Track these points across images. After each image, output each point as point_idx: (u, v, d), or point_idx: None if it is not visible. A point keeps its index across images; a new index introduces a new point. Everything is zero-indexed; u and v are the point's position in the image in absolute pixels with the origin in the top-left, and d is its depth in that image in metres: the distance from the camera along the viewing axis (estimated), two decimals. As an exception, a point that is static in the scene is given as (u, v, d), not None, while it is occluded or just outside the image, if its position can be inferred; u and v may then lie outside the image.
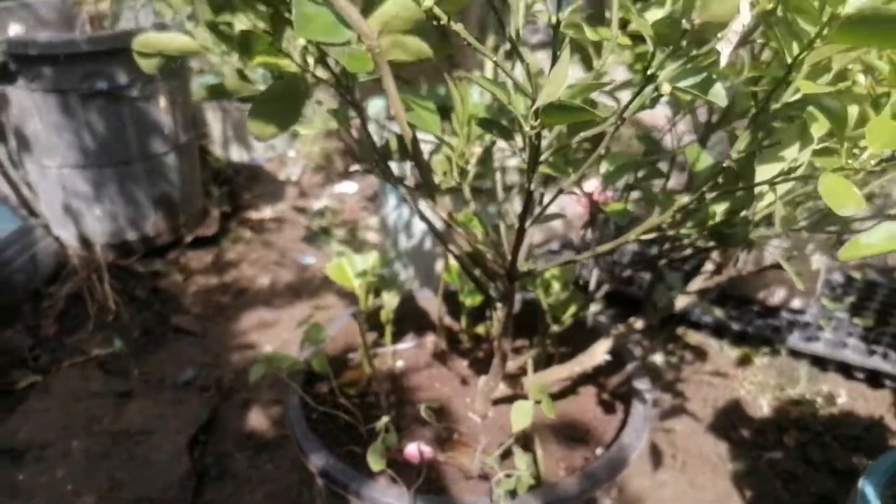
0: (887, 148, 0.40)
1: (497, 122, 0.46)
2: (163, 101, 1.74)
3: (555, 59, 0.36)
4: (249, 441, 1.37)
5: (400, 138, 0.64)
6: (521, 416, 0.69)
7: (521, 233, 0.57)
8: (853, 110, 0.43)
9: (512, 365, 1.00)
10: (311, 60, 0.64)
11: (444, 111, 0.67)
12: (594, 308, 1.02)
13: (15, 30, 1.79)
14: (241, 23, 0.77)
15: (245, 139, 2.67)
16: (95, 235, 1.84)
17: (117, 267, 1.84)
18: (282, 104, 0.64)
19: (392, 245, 1.71)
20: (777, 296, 1.68)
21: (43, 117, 1.65)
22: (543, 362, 1.03)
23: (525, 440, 0.90)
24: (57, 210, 1.81)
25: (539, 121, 0.38)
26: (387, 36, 0.60)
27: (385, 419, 0.81)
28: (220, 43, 0.79)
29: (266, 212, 2.31)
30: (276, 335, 1.69)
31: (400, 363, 1.11)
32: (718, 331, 1.67)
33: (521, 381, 0.96)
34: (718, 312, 1.60)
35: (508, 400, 0.99)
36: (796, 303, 1.66)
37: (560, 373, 0.90)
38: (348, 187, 2.55)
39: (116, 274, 1.81)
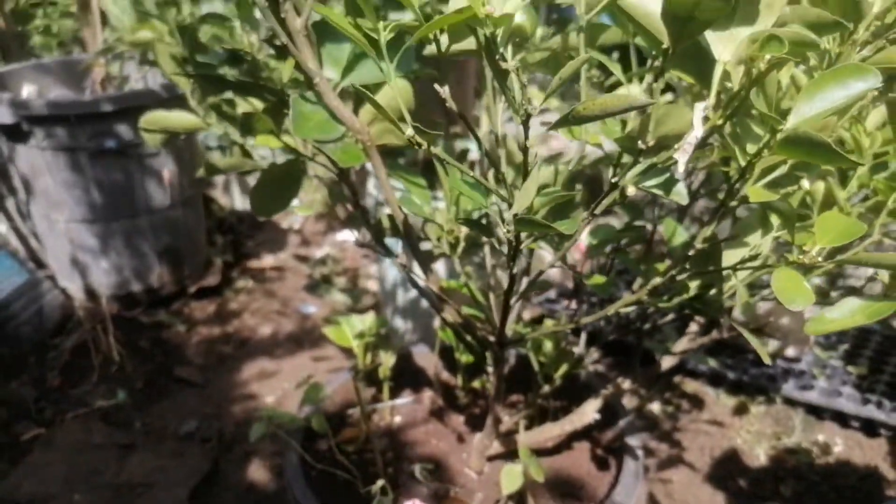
0: (836, 243, 0.43)
1: (477, 222, 0.49)
2: (170, 157, 1.79)
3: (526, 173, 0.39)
4: (250, 494, 1.38)
5: (391, 217, 0.68)
6: (511, 479, 0.72)
7: (506, 307, 0.61)
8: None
9: (507, 420, 1.02)
10: (309, 145, 0.68)
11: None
12: (588, 358, 1.05)
13: (28, 90, 1.85)
14: (242, 106, 0.82)
15: (248, 187, 2.72)
16: (101, 287, 1.87)
17: (122, 318, 1.88)
18: (281, 186, 0.68)
19: (390, 299, 1.74)
20: (771, 344, 1.70)
21: (53, 174, 1.70)
22: (537, 418, 1.05)
23: (519, 497, 0.92)
24: (64, 262, 1.86)
25: (514, 227, 0.42)
26: (378, 123, 0.64)
27: (381, 482, 0.83)
28: (224, 122, 0.83)
29: (268, 260, 2.35)
30: (276, 385, 1.72)
31: (398, 419, 1.13)
32: (715, 379, 1.68)
33: (515, 438, 0.99)
34: (713, 362, 1.63)
35: (503, 456, 1.01)
36: (791, 351, 1.69)
37: (552, 431, 0.92)
38: (349, 235, 2.60)
39: (121, 325, 1.84)
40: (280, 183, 0.68)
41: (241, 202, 2.74)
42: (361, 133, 0.57)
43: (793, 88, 0.45)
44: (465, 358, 1.10)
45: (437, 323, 1.75)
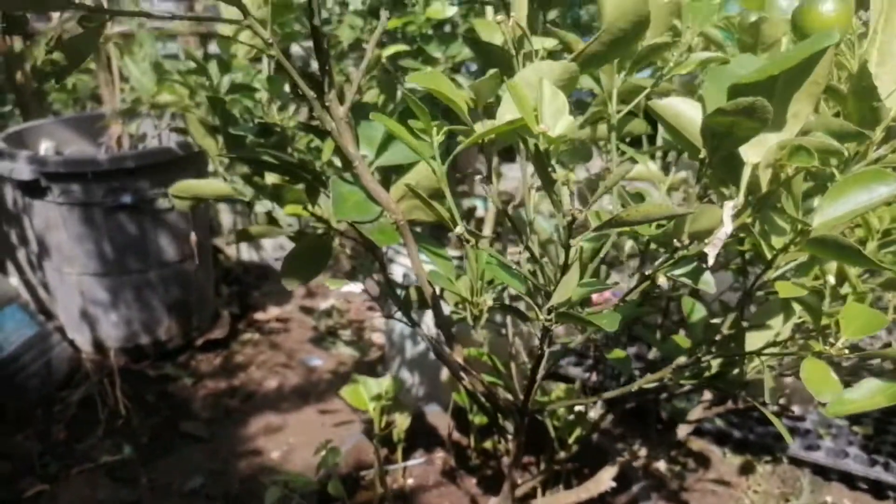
0: (860, 335, 0.45)
1: (513, 308, 0.51)
2: (183, 213, 1.82)
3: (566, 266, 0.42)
4: (257, 555, 1.37)
5: (419, 290, 0.70)
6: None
7: (532, 382, 0.62)
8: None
9: (521, 483, 1.03)
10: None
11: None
12: (603, 423, 1.06)
13: (45, 145, 1.89)
14: (271, 175, 0.85)
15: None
16: (109, 340, 1.88)
17: (129, 371, 1.88)
18: (310, 259, 0.70)
19: (397, 352, 1.75)
20: (778, 400, 1.71)
21: (67, 228, 1.72)
22: (551, 480, 1.06)
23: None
24: (73, 315, 1.87)
25: (552, 316, 0.44)
26: (408, 200, 0.67)
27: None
28: (254, 191, 0.86)
29: (274, 312, 2.36)
30: (282, 440, 1.71)
31: (410, 480, 1.13)
32: (721, 437, 1.68)
33: (530, 503, 0.99)
34: (719, 421, 1.63)
35: (518, 522, 1.01)
36: (796, 409, 1.69)
37: (568, 498, 0.93)
38: (354, 287, 2.61)
39: (128, 378, 1.84)
40: (312, 253, 0.70)
41: (247, 253, 2.76)
42: (395, 213, 0.60)
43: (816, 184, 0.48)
44: (478, 419, 1.11)
45: (444, 376, 1.75)
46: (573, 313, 0.42)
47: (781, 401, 1.73)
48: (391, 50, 1.15)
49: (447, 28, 1.33)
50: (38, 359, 1.72)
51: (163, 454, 1.64)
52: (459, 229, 0.44)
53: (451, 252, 0.96)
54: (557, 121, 0.37)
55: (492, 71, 0.45)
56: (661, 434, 0.95)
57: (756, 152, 0.44)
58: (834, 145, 0.41)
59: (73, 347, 1.89)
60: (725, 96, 0.41)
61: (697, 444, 1.70)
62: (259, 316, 2.32)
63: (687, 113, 0.48)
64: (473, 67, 1.34)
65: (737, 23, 0.93)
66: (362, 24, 1.37)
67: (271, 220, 0.87)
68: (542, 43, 0.49)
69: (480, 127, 0.43)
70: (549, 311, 0.43)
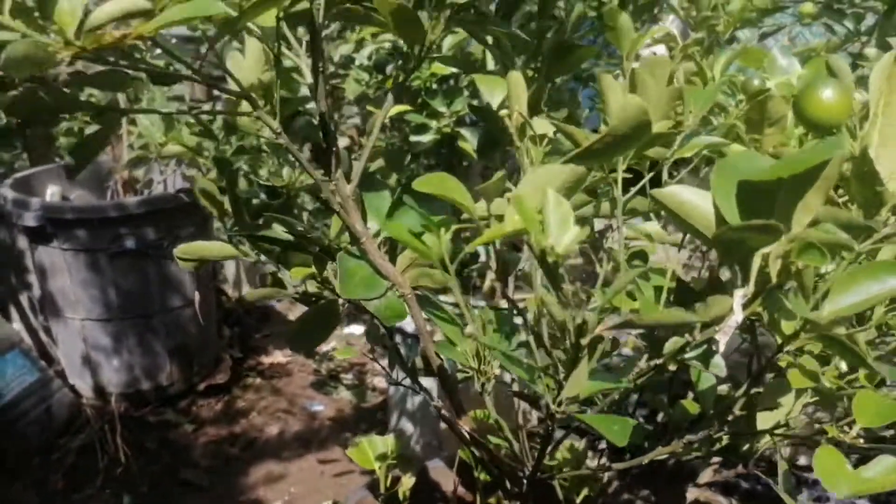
0: (875, 424, 0.45)
1: (524, 395, 0.51)
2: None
3: (576, 360, 0.42)
4: None
5: (426, 358, 0.70)
6: None
7: (542, 455, 0.62)
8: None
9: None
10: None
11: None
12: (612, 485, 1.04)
13: (52, 190, 1.90)
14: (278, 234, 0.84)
15: (256, 280, 2.75)
16: (111, 385, 1.87)
17: (130, 417, 1.86)
18: (318, 324, 0.70)
19: (399, 400, 1.74)
20: (784, 452, 1.69)
21: (72, 274, 1.72)
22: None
23: None
24: (75, 360, 1.86)
25: (562, 407, 0.44)
26: (414, 269, 0.67)
27: None
28: (260, 253, 0.86)
29: (276, 356, 2.35)
30: (283, 489, 1.69)
31: (414, 539, 1.11)
32: (728, 489, 1.66)
33: (535, 566, 0.97)
34: (726, 472, 1.61)
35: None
36: (802, 459, 1.67)
37: (575, 561, 0.91)
38: (356, 329, 2.60)
39: (128, 424, 1.83)
40: (319, 319, 0.70)
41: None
42: (403, 286, 0.60)
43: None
44: (483, 476, 1.10)
45: (444, 425, 1.74)
46: (582, 417, 0.42)
47: (788, 451, 1.71)
48: (395, 110, 1.16)
49: (451, 81, 1.35)
50: (39, 405, 1.71)
51: (162, 504, 1.62)
52: (469, 329, 0.44)
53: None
54: (563, 233, 0.37)
55: (499, 174, 0.45)
56: (669, 486, 0.94)
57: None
58: (843, 239, 0.41)
59: (74, 393, 1.87)
60: (734, 191, 0.42)
61: (705, 495, 1.67)
62: (261, 359, 2.31)
63: (692, 201, 0.48)
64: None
65: (740, 86, 0.94)
66: (368, 78, 1.38)
67: (276, 280, 0.87)
68: (545, 127, 0.49)
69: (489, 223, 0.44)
70: (559, 403, 0.43)
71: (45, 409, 1.72)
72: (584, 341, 0.39)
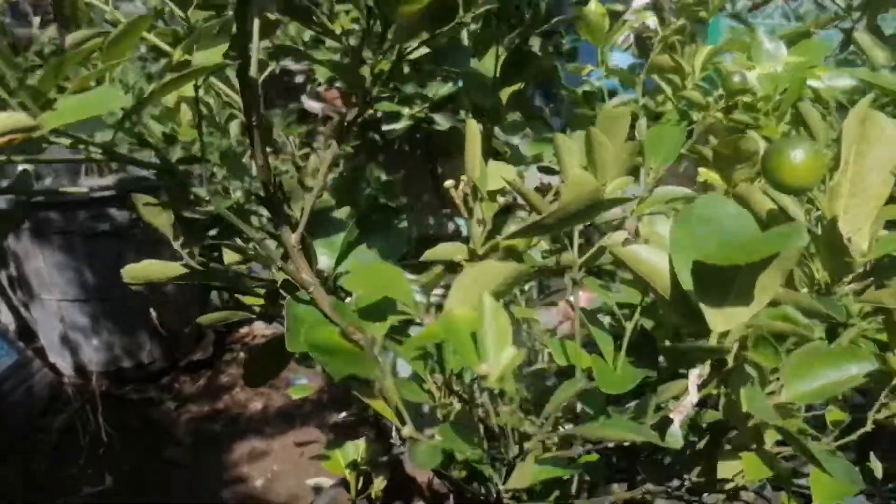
0: (832, 502, 0.44)
1: (472, 476, 0.49)
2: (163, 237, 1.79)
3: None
4: None
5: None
6: None
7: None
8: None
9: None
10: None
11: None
12: None
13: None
14: (229, 255, 0.82)
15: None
16: (91, 364, 1.86)
17: (111, 396, 1.86)
18: (269, 361, 0.68)
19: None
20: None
21: (45, 256, 1.69)
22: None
23: None
24: (54, 340, 1.84)
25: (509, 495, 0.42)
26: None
27: None
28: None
29: (259, 327, 2.34)
30: (266, 467, 1.70)
31: (389, 534, 1.12)
32: None
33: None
34: None
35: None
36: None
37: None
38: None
39: (110, 402, 1.83)
40: (271, 356, 0.68)
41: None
42: (356, 335, 0.57)
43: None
44: (457, 473, 1.10)
45: (426, 409, 1.74)
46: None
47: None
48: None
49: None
50: (19, 387, 1.70)
51: (145, 483, 1.63)
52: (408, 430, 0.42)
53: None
54: (500, 352, 0.35)
55: (437, 268, 0.42)
56: None
57: (722, 321, 0.41)
58: (801, 327, 0.39)
59: (55, 371, 1.87)
60: (691, 263, 0.39)
61: None
62: (243, 332, 2.30)
63: (651, 261, 0.45)
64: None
65: (722, 79, 0.90)
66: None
67: (238, 304, 0.84)
68: (498, 179, 0.46)
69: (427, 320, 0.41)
70: (507, 491, 0.42)
71: (25, 389, 1.71)
72: (528, 445, 0.37)
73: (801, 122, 0.66)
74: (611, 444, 0.51)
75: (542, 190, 0.57)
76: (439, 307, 0.63)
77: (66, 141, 0.39)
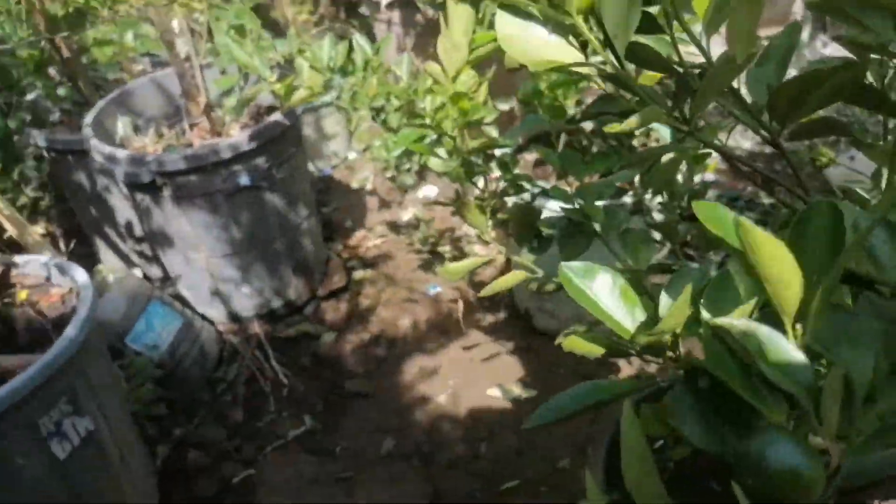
0: None
1: None
2: (297, 174, 1.75)
3: None
4: None
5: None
6: None
7: None
8: None
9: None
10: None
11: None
12: None
13: (122, 122, 1.75)
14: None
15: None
16: (244, 311, 1.89)
17: (273, 338, 1.91)
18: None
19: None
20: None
21: (189, 218, 1.66)
22: None
23: None
24: (203, 292, 1.85)
25: None
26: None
27: None
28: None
29: (366, 236, 2.35)
30: (443, 384, 1.79)
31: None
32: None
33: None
34: None
35: None
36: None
37: None
38: (429, 191, 2.58)
39: (274, 344, 1.88)
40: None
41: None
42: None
43: None
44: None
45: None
46: None
47: None
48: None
49: None
50: (192, 347, 1.73)
51: (341, 418, 1.73)
52: None
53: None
54: None
55: None
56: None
57: None
58: None
59: (207, 321, 1.89)
60: None
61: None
62: (351, 244, 2.31)
63: None
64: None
65: None
66: None
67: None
68: None
69: None
70: None
71: (199, 349, 1.75)
72: None
73: None
74: None
75: None
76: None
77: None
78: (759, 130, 0.50)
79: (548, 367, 1.80)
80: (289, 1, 2.91)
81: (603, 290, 0.55)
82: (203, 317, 1.88)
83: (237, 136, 1.59)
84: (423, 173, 2.66)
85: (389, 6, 2.37)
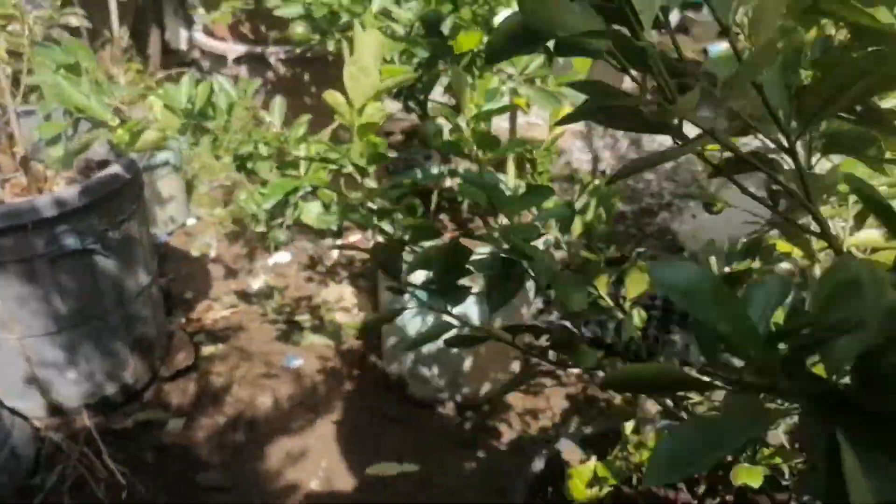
0: None
1: None
2: (136, 236, 1.53)
3: None
4: None
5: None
6: None
7: None
8: None
9: None
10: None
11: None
12: None
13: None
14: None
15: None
16: (69, 400, 1.58)
17: (105, 430, 1.61)
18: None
19: (412, 346, 1.68)
20: None
21: (2, 290, 1.37)
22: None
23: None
24: (15, 381, 1.53)
25: None
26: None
27: None
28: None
29: (211, 307, 2.11)
30: (314, 467, 1.60)
31: None
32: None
33: None
34: None
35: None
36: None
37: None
38: (281, 257, 2.40)
39: (108, 439, 1.58)
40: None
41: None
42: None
43: None
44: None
45: (467, 365, 1.72)
46: None
47: None
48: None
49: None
50: (1, 450, 1.41)
51: (194, 519, 1.47)
52: None
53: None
54: None
55: None
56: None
57: None
58: None
59: (19, 416, 1.56)
60: None
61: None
62: (195, 315, 2.06)
63: None
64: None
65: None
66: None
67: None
68: None
69: None
70: None
71: (9, 451, 1.43)
72: None
73: None
74: None
75: None
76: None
77: None
78: (776, 134, 0.44)
79: (428, 438, 1.67)
80: (115, 57, 2.66)
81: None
82: (14, 411, 1.55)
83: (63, 191, 1.35)
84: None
85: (237, 61, 2.23)
